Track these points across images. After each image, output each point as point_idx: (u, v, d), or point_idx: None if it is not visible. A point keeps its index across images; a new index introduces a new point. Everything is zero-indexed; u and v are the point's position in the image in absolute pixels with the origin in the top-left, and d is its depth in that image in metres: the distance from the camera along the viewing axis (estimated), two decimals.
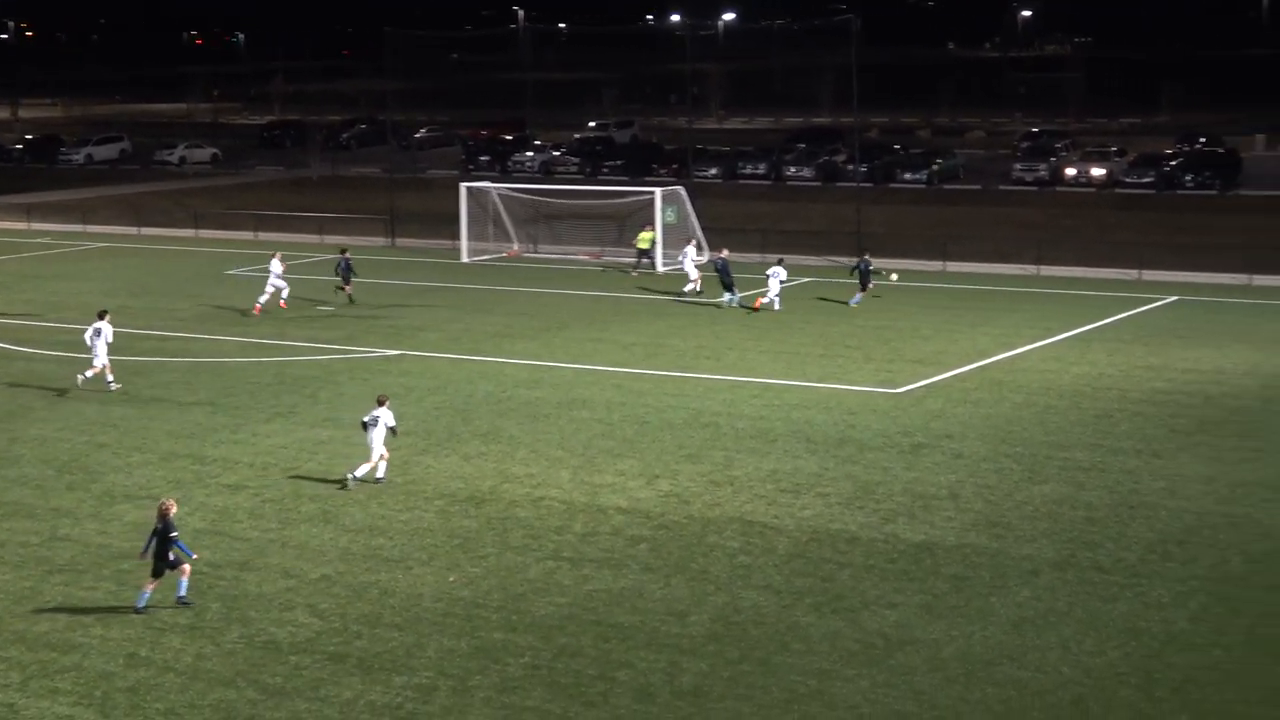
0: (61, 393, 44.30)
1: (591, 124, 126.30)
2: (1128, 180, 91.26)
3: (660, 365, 47.55)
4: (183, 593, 28.19)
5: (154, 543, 27.85)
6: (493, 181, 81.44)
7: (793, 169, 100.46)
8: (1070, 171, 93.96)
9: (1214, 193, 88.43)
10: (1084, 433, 39.01)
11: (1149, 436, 38.57)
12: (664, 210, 66.39)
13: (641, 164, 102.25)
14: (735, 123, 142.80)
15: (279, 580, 29.52)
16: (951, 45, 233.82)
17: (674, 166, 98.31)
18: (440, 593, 28.85)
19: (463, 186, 72.40)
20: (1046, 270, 63.02)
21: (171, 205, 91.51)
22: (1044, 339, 50.40)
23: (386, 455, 35.62)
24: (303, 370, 47.33)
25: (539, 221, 73.35)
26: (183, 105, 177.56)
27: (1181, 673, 25.00)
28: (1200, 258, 63.31)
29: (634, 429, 39.98)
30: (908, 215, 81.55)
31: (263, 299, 56.47)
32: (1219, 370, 45.62)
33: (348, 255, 58.98)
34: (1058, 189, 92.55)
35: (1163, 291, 58.54)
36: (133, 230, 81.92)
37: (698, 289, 58.39)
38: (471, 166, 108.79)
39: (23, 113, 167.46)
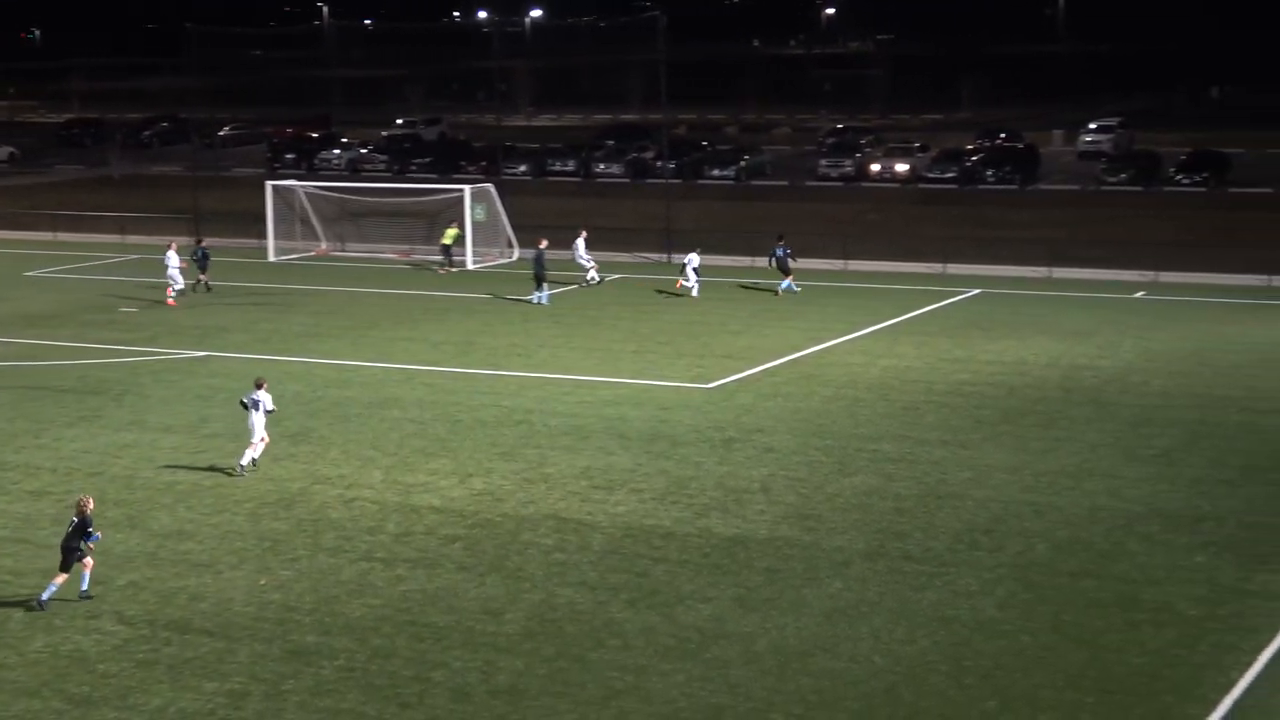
0: None
1: (399, 121, 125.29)
2: (931, 175, 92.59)
3: (472, 363, 47.36)
4: (85, 586, 28.25)
5: (68, 536, 28.22)
6: (299, 180, 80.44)
7: (602, 166, 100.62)
8: (875, 167, 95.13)
9: (1014, 187, 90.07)
10: (892, 425, 39.55)
11: (955, 428, 39.20)
12: (473, 208, 66.16)
13: (450, 161, 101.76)
14: (544, 120, 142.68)
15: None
16: (757, 43, 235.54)
17: (483, 164, 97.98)
18: (251, 597, 28.46)
19: (268, 185, 71.53)
20: (853, 265, 63.79)
21: None
22: (852, 333, 51.02)
23: (266, 439, 35.86)
24: (106, 373, 46.42)
25: (347, 220, 72.65)
26: None
27: (990, 659, 25.44)
28: (1002, 251, 64.48)
29: (446, 428, 39.78)
30: (716, 211, 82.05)
31: (177, 287, 57.64)
32: (1021, 362, 46.51)
33: (205, 245, 59.70)
34: (863, 184, 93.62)
35: (966, 285, 59.53)
36: None
37: (694, 291, 57.78)
38: (277, 165, 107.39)
39: None
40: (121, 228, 76.81)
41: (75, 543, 28.13)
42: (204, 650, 26.14)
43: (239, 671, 25.31)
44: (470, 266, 64.84)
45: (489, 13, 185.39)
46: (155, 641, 26.52)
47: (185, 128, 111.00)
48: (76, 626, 27.09)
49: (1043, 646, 25.93)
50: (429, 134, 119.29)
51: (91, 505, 28.78)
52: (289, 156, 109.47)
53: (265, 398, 35.69)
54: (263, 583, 29.14)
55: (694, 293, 57.31)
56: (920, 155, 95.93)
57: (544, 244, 57.51)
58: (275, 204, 70.00)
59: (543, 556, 30.37)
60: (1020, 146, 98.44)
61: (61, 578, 28.13)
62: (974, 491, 34.03)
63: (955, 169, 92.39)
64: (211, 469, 36.15)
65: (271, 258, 68.62)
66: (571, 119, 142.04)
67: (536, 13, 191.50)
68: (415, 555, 30.55)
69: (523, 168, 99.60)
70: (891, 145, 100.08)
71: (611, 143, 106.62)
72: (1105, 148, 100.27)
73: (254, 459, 35.86)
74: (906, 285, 59.47)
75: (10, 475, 36.06)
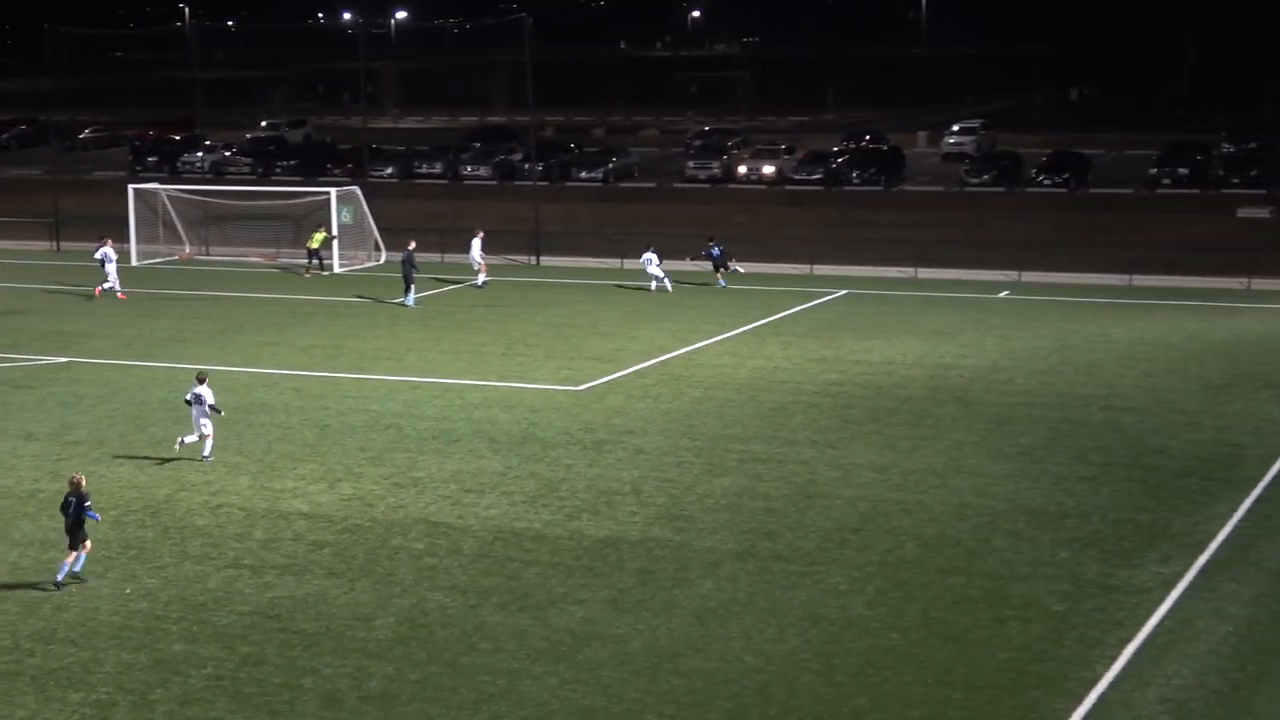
0: None
1: (263, 123, 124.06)
2: (797, 177, 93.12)
3: (339, 367, 47.03)
4: (79, 568, 29.04)
5: (70, 514, 28.90)
6: (161, 183, 79.44)
7: (469, 168, 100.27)
8: (742, 169, 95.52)
9: (879, 189, 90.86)
10: (761, 425, 39.77)
11: (823, 427, 39.48)
12: (340, 211, 65.71)
13: (316, 164, 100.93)
14: (411, 122, 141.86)
15: None
16: (623, 44, 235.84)
17: (349, 166, 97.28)
18: (117, 606, 28.08)
19: (130, 188, 70.61)
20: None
21: None
22: (720, 334, 51.23)
23: (209, 433, 36.56)
24: None
25: (211, 223, 71.90)
26: None
27: (860, 657, 25.65)
28: (868, 252, 65.03)
29: (314, 432, 39.47)
30: (584, 213, 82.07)
31: (113, 283, 58.53)
32: (888, 361, 46.94)
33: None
34: (730, 186, 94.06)
35: (833, 285, 59.98)
36: None
37: (666, 284, 58.89)
38: (139, 167, 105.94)
39: None
40: None
41: (79, 518, 28.92)
42: (69, 660, 25.76)
43: (105, 682, 24.96)
44: (337, 270, 64.39)
45: (354, 14, 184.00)
46: (18, 653, 26.09)
47: (45, 130, 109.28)
48: None
49: (912, 643, 26.19)
50: (294, 136, 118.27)
51: (84, 480, 29.45)
52: (151, 159, 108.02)
53: (207, 392, 36.46)
54: (128, 591, 28.77)
55: (667, 285, 58.64)
56: (787, 157, 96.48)
57: (412, 245, 57.30)
58: (137, 207, 69.08)
59: (413, 561, 30.22)
60: (885, 148, 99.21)
61: (72, 555, 29.01)
62: (842, 490, 34.29)
63: (821, 170, 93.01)
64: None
65: (134, 262, 67.61)
66: (438, 121, 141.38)
67: (402, 14, 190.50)
68: (284, 561, 30.28)
69: (389, 170, 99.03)
70: (758, 147, 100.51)
71: (479, 145, 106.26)
72: (968, 149, 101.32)
73: (198, 446, 36.82)
74: (774, 286, 59.79)
75: None
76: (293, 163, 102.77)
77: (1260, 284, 58.67)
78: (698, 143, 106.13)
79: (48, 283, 61.91)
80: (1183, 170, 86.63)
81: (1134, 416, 40.33)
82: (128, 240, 68.30)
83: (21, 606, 28.07)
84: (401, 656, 25.83)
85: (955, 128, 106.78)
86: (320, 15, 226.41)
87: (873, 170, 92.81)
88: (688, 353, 48.56)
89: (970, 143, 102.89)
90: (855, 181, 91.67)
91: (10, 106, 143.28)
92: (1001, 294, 58.33)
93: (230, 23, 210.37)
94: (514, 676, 25.05)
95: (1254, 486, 34.45)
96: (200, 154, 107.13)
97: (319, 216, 66.03)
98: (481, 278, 60.53)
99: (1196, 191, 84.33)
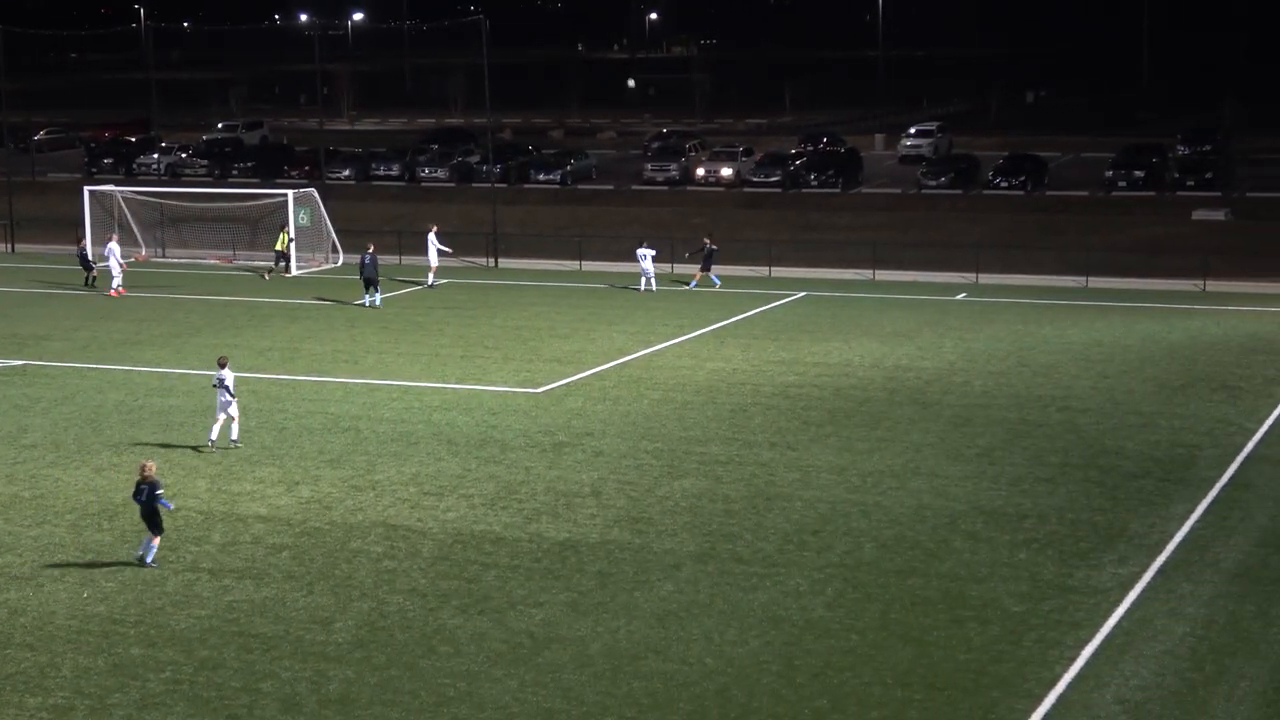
0: None
1: (220, 125, 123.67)
2: (755, 179, 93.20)
3: (297, 370, 46.89)
4: (150, 558, 29.94)
5: (143, 502, 29.73)
6: (117, 184, 79.09)
7: (427, 170, 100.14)
8: (700, 171, 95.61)
9: (837, 191, 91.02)
10: (720, 427, 39.80)
11: (782, 429, 39.54)
12: (297, 213, 65.54)
13: (273, 166, 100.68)
14: (368, 123, 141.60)
15: None
16: (580, 46, 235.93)
17: (306, 168, 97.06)
18: (74, 610, 27.92)
19: (85, 190, 70.28)
20: (680, 268, 64.07)
21: None
22: (679, 336, 51.27)
23: (235, 415, 37.64)
24: None
25: (167, 225, 71.61)
26: None
27: (820, 658, 25.69)
28: (826, 254, 65.16)
29: (272, 435, 39.33)
30: (542, 215, 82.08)
31: (116, 279, 59.63)
32: (847, 363, 47.04)
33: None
34: (688, 188, 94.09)
35: (792, 287, 60.09)
36: None
37: (653, 288, 59.61)
38: (94, 169, 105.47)
39: None
40: None
41: (152, 506, 29.65)
42: (25, 665, 25.60)
43: (63, 686, 24.82)
44: (294, 272, 64.20)
45: (310, 15, 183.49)
46: None
47: None
48: None
49: (871, 645, 26.24)
50: (250, 138, 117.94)
51: (154, 467, 30.25)
52: (107, 161, 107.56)
53: (228, 375, 37.42)
54: (86, 595, 28.61)
55: (653, 286, 59.36)
56: (744, 159, 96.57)
57: (371, 249, 57.19)
58: (93, 209, 68.78)
59: (372, 564, 30.14)
60: (842, 150, 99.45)
61: (158, 538, 29.93)
62: (802, 492, 34.35)
63: (779, 173, 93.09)
64: (32, 479, 35.41)
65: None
66: (395, 123, 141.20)
67: (358, 16, 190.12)
68: (242, 565, 30.16)
69: (346, 172, 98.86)
70: (716, 149, 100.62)
71: (436, 147, 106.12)
72: (925, 151, 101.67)
73: (224, 434, 37.70)
74: (733, 289, 59.87)
75: None
76: (249, 164, 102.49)
77: (1215, 286, 59.05)
78: (656, 145, 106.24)
79: (4, 284, 61.50)
80: (1138, 173, 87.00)
81: (1091, 418, 40.51)
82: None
83: None
84: (361, 660, 25.76)
85: (912, 130, 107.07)
86: (276, 17, 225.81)
87: (830, 172, 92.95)
88: (647, 355, 48.57)
89: (927, 145, 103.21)
90: (813, 184, 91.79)
91: None
92: (959, 296, 58.54)
93: (186, 24, 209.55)
94: (474, 679, 25.00)
95: (1210, 487, 34.63)
96: (156, 156, 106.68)
97: (277, 218, 65.85)
98: (431, 278, 60.43)
99: (1152, 194, 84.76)
